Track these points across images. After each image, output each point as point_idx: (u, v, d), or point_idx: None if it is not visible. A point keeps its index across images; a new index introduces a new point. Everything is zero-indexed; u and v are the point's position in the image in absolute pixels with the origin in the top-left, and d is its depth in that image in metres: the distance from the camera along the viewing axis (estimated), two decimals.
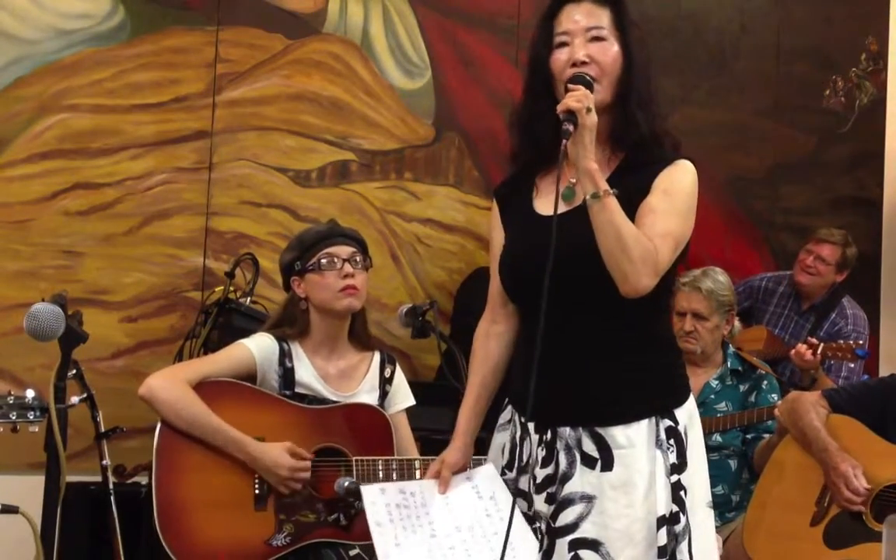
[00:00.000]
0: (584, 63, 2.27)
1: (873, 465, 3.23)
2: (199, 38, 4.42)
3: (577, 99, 2.18)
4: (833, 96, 5.64)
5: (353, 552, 3.02)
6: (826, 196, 5.59)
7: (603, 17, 2.31)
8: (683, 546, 2.24)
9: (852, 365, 4.58)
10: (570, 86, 2.22)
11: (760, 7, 5.51)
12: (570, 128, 2.16)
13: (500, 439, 2.43)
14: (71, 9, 4.25)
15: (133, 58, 4.31)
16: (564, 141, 2.16)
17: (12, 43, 4.15)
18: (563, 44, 2.30)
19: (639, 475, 2.23)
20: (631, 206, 2.23)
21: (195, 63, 4.41)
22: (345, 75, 4.66)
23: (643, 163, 2.29)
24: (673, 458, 2.26)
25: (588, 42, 2.28)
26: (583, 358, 2.27)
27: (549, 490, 2.27)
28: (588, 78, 2.25)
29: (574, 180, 2.28)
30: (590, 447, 2.25)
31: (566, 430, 2.26)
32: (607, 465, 2.23)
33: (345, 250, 3.18)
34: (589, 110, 2.17)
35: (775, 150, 5.51)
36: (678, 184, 2.27)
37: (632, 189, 2.25)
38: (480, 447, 2.69)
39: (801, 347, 4.31)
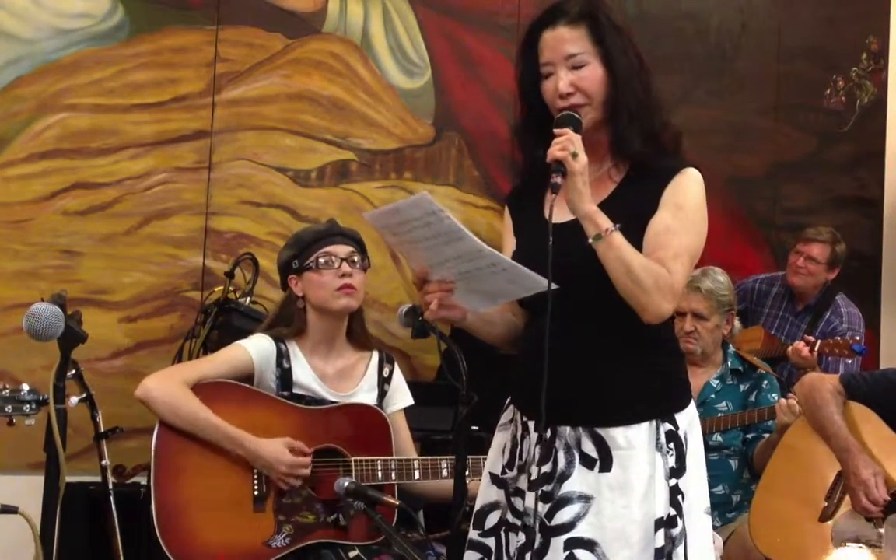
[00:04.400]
0: (569, 94, 2.26)
1: (888, 466, 3.21)
2: (198, 38, 4.41)
3: (561, 147, 2.17)
4: (833, 96, 5.64)
5: (352, 553, 3.01)
6: (826, 196, 5.59)
7: (579, 41, 2.27)
8: (679, 550, 2.23)
9: (849, 361, 4.58)
10: (555, 131, 2.21)
11: (761, 6, 5.50)
12: (559, 180, 2.16)
13: (501, 439, 2.43)
14: (70, 8, 4.24)
15: (132, 57, 4.31)
16: (552, 194, 2.15)
17: (12, 42, 4.15)
18: (549, 74, 2.30)
19: (636, 477, 2.23)
20: (639, 220, 2.23)
21: (195, 62, 4.40)
22: (345, 75, 4.65)
23: (648, 172, 2.28)
24: (672, 461, 2.26)
25: (570, 70, 2.27)
26: (585, 359, 2.27)
27: (543, 488, 2.26)
28: (574, 115, 2.24)
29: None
30: (589, 447, 2.25)
31: (566, 430, 2.26)
32: (606, 465, 2.24)
33: (343, 249, 3.17)
34: (575, 155, 2.16)
35: (775, 150, 5.50)
36: (687, 196, 2.27)
37: (639, 201, 2.26)
38: (481, 446, 2.68)
39: (799, 345, 4.33)
